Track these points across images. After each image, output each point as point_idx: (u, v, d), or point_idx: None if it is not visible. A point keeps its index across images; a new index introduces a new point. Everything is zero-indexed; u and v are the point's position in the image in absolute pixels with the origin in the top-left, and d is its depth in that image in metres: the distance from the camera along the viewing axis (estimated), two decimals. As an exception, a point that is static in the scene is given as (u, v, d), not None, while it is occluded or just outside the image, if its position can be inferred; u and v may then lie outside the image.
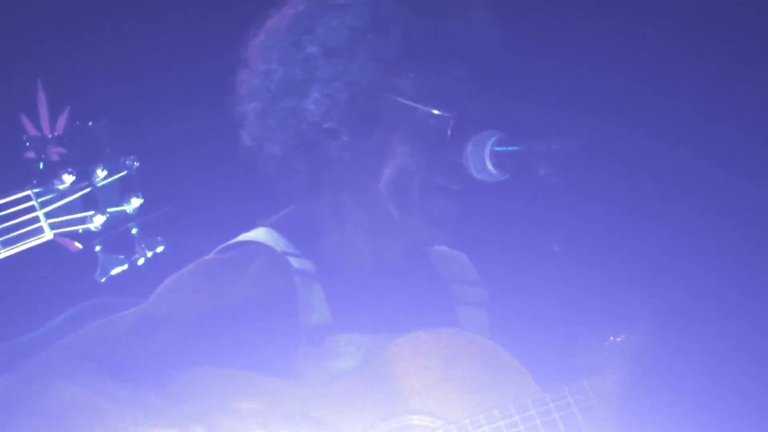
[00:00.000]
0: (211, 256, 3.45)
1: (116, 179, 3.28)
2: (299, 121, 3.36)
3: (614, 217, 3.67)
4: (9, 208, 3.13)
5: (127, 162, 3.29)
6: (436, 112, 3.30)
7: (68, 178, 3.20)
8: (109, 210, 3.26)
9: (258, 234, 3.46)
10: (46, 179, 3.20)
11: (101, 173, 3.24)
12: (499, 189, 3.41)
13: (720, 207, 3.78)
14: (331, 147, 3.37)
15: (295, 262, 3.37)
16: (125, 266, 3.30)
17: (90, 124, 3.25)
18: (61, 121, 3.24)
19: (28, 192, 3.17)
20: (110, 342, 3.26)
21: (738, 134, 3.87)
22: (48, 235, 3.20)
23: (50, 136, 3.21)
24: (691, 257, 3.58)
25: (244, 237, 3.47)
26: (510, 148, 3.27)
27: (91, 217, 3.24)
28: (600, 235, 3.63)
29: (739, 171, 3.84)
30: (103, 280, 3.29)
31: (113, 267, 3.29)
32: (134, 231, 3.32)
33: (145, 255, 3.33)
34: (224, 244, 3.48)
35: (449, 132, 3.31)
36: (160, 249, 3.33)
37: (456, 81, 3.33)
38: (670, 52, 3.87)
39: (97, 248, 3.27)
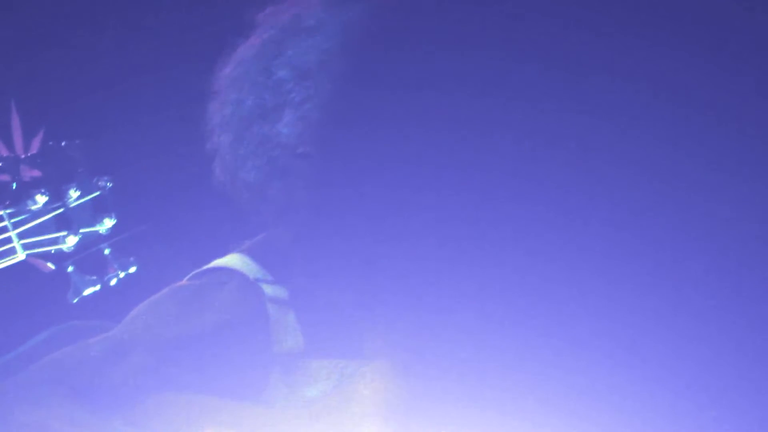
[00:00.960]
0: (183, 282, 3.44)
1: (89, 200, 3.28)
2: (273, 146, 3.35)
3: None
4: (-20, 229, 3.13)
5: (100, 182, 3.29)
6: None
7: (41, 199, 3.19)
8: (81, 230, 3.26)
9: (230, 260, 3.46)
10: (18, 199, 3.19)
11: (74, 194, 3.23)
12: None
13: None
14: (305, 170, 3.37)
15: (267, 288, 3.37)
16: (98, 287, 3.30)
17: (63, 144, 3.24)
18: (34, 142, 3.23)
19: (0, 212, 3.16)
20: (80, 368, 3.25)
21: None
22: (20, 255, 3.19)
23: (23, 156, 3.21)
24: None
25: (216, 263, 3.47)
26: None
27: (64, 237, 3.24)
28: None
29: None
30: (75, 300, 3.28)
31: (86, 288, 3.29)
32: (107, 252, 3.31)
33: (117, 276, 3.32)
34: (196, 270, 3.47)
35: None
36: (132, 269, 3.33)
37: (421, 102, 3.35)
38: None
39: (70, 269, 3.27)
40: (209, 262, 3.52)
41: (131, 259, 3.32)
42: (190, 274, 3.51)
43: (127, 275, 3.33)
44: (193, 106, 3.51)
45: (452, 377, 3.45)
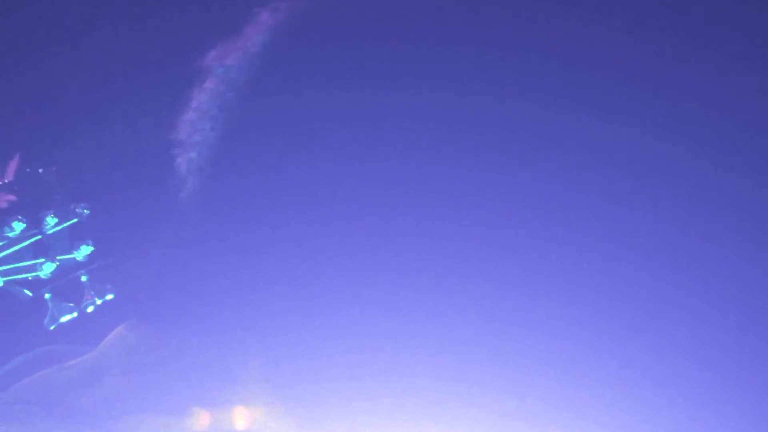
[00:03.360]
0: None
1: (66, 227, 3.29)
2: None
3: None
4: (-42, 256, 3.14)
5: (77, 209, 3.30)
6: None
7: (18, 226, 3.20)
8: (58, 257, 3.26)
9: None
10: (-5, 227, 3.20)
11: (51, 221, 3.24)
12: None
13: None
14: None
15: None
16: (75, 314, 3.30)
17: (40, 171, 3.26)
18: (11, 169, 3.24)
19: (-23, 239, 3.17)
20: (59, 389, 3.26)
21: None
22: (-2, 282, 3.20)
23: (0, 183, 3.22)
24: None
25: None
26: None
27: (41, 264, 3.24)
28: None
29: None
30: (52, 327, 3.29)
31: (63, 314, 3.29)
32: (84, 278, 3.32)
33: (94, 302, 3.33)
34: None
35: None
36: (109, 297, 3.33)
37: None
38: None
39: (47, 296, 3.27)
40: (183, 289, 3.53)
41: (108, 286, 3.33)
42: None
43: (104, 302, 3.33)
44: (169, 135, 3.54)
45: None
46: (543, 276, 3.70)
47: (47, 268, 3.28)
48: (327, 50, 3.50)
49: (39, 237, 3.28)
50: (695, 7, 3.84)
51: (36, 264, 3.28)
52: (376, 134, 3.49)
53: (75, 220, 3.32)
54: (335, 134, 3.42)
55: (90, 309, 3.35)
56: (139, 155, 3.85)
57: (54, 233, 3.30)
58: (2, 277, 3.23)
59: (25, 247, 3.26)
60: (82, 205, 3.32)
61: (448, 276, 3.80)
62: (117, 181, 3.95)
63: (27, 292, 3.28)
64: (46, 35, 3.78)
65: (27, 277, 3.29)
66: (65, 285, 3.32)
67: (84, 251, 3.32)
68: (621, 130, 3.84)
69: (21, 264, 3.26)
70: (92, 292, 3.34)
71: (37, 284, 3.30)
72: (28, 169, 3.23)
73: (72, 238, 3.32)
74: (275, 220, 3.49)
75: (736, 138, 3.83)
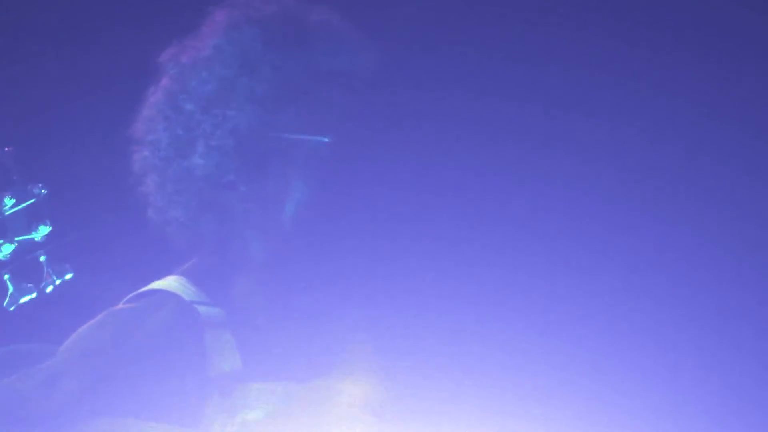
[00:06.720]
0: (120, 305, 3.45)
1: (24, 207, 3.28)
2: (194, 179, 3.39)
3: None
4: None
5: (34, 190, 3.30)
6: (326, 139, 3.37)
7: (-25, 209, 3.19)
8: (17, 238, 3.26)
9: (167, 282, 3.48)
10: (-48, 209, 3.19)
11: (8, 202, 3.24)
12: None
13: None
14: (233, 200, 3.41)
15: (204, 310, 3.39)
16: (34, 294, 3.30)
17: (-4, 152, 3.25)
18: (-33, 151, 3.23)
19: (-66, 223, 3.15)
20: (17, 397, 3.24)
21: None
22: (-44, 265, 3.19)
23: (-44, 166, 3.21)
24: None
25: (153, 286, 3.48)
26: None
27: (0, 245, 3.24)
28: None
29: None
30: (12, 308, 3.28)
31: (22, 295, 3.29)
32: (42, 259, 3.31)
33: (53, 282, 3.33)
34: (133, 293, 3.48)
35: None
36: (68, 276, 3.33)
37: (334, 106, 3.42)
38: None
39: (6, 277, 3.27)
40: (145, 276, 3.53)
41: (67, 266, 3.33)
42: (127, 297, 3.52)
43: (64, 282, 3.33)
44: (127, 116, 3.54)
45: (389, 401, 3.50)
46: (559, 279, 3.76)
47: (6, 250, 3.27)
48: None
49: (-4, 218, 3.27)
50: (695, 7, 3.93)
51: (-6, 245, 3.27)
52: (373, 135, 3.53)
53: (33, 200, 3.32)
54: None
55: (49, 289, 3.35)
56: (99, 140, 3.85)
57: (11, 214, 3.29)
58: (-39, 261, 3.22)
59: (-17, 229, 3.25)
60: (40, 185, 3.31)
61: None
62: (75, 160, 3.95)
63: (-12, 276, 3.27)
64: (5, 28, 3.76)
65: (-14, 260, 3.28)
66: (24, 265, 3.32)
67: (42, 231, 3.31)
68: (621, 131, 3.93)
69: (-20, 246, 3.25)
70: (51, 272, 3.34)
71: (-4, 266, 3.29)
72: (-16, 151, 3.22)
73: (30, 218, 3.32)
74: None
75: (736, 138, 3.94)
